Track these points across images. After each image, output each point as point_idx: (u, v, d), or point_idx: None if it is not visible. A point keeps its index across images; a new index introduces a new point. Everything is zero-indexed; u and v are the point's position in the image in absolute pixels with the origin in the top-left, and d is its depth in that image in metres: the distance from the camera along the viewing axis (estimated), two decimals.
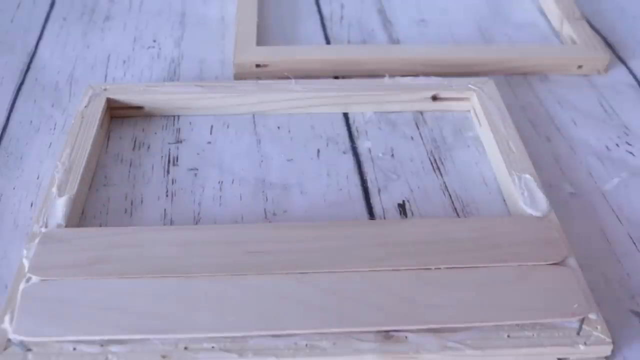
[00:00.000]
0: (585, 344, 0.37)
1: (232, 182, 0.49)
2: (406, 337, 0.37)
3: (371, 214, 0.46)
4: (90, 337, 0.36)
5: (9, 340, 0.36)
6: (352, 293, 0.38)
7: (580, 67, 0.60)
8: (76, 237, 0.41)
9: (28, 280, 0.38)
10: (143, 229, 0.41)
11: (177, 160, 0.51)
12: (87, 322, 0.36)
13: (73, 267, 0.39)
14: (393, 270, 0.39)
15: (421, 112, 0.56)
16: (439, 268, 0.39)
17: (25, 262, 0.39)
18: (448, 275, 0.39)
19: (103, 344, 0.36)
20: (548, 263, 0.40)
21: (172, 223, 0.45)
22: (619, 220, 0.47)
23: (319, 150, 0.52)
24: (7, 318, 0.36)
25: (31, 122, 0.54)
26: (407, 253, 0.40)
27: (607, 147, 0.53)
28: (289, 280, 0.38)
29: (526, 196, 0.45)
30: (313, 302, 0.37)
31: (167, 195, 0.47)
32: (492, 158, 0.50)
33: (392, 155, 0.51)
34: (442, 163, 0.51)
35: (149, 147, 0.52)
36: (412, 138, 0.53)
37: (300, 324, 0.36)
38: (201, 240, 0.41)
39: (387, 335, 0.37)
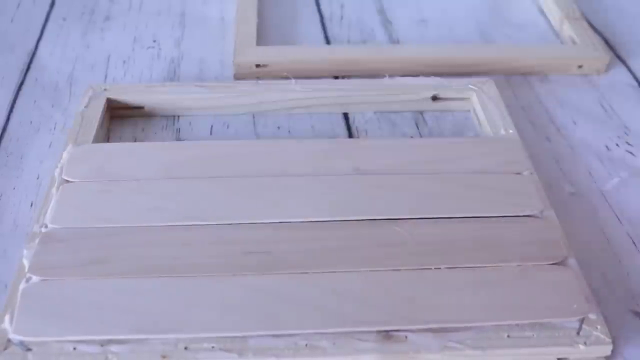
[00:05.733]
0: (585, 344, 0.37)
1: None
2: (406, 337, 0.37)
3: None
4: (90, 337, 0.36)
5: (9, 340, 0.36)
6: (352, 293, 0.38)
7: (580, 67, 0.60)
8: (76, 237, 0.40)
9: (28, 280, 0.38)
10: (143, 228, 0.41)
11: None
12: (87, 322, 0.36)
13: (73, 267, 0.39)
14: (393, 270, 0.39)
15: (421, 112, 0.56)
16: (439, 268, 0.39)
17: (25, 263, 0.39)
18: (448, 275, 0.39)
19: (103, 343, 0.36)
20: (548, 263, 0.40)
21: None
22: (619, 220, 0.47)
23: None
24: (7, 318, 0.36)
25: (31, 122, 0.54)
26: (407, 253, 0.40)
27: (607, 147, 0.53)
28: (289, 281, 0.38)
29: None
30: (313, 302, 0.37)
31: None
32: None
33: None
34: None
35: None
36: (412, 138, 0.53)
37: (300, 324, 0.36)
38: (201, 240, 0.41)
39: (387, 335, 0.37)
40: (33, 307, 0.36)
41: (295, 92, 0.54)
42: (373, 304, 0.37)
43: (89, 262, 0.39)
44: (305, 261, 0.39)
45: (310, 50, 0.61)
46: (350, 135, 0.53)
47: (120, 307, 0.36)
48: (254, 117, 0.54)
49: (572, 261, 0.40)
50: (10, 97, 0.56)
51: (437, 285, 0.38)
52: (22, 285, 0.38)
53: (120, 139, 0.52)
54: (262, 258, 0.39)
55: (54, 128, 0.53)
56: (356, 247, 0.40)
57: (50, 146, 0.51)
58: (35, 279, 0.38)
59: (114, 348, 0.36)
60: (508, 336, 0.37)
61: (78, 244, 0.40)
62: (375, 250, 0.40)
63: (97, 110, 0.51)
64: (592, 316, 0.38)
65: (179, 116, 0.54)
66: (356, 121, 0.54)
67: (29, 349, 0.36)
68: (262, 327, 0.36)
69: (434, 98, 0.55)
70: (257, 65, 0.58)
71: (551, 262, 0.40)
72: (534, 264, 0.40)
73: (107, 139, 0.52)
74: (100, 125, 0.50)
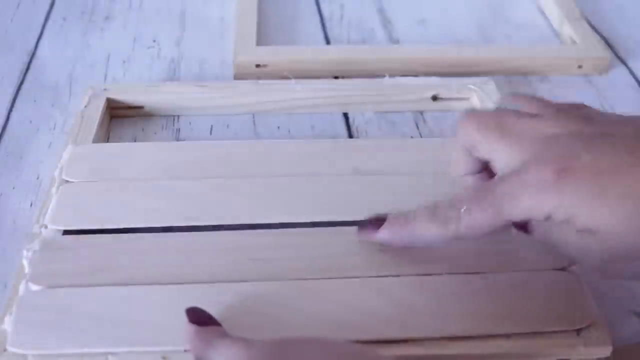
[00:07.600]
0: (585, 344, 0.37)
1: None
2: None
3: None
4: (90, 350, 0.35)
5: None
6: (351, 301, 0.37)
7: (580, 67, 0.60)
8: (77, 245, 0.40)
9: (28, 281, 0.38)
10: (144, 235, 0.41)
11: None
12: (87, 335, 0.35)
13: (73, 275, 0.38)
14: (395, 276, 0.39)
15: (421, 112, 0.56)
16: (442, 274, 0.39)
17: (25, 263, 0.39)
18: (450, 282, 0.38)
19: None
20: (551, 269, 0.40)
21: None
22: None
23: None
24: (7, 319, 0.36)
25: (31, 121, 0.54)
26: (408, 258, 0.40)
27: None
28: (290, 288, 0.38)
29: None
30: (314, 310, 0.37)
31: None
32: None
33: None
34: None
35: None
36: (412, 138, 0.53)
37: (300, 332, 0.36)
38: (202, 247, 0.40)
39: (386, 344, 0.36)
40: (31, 318, 0.36)
41: (296, 92, 0.54)
42: (374, 313, 0.37)
43: (89, 269, 0.38)
44: (307, 268, 0.39)
45: (310, 50, 0.61)
46: (350, 136, 0.53)
47: (120, 318, 0.36)
48: (254, 117, 0.54)
49: (575, 267, 0.40)
50: (10, 96, 0.56)
51: (438, 292, 0.38)
52: (22, 287, 0.37)
53: (120, 139, 0.52)
54: (263, 264, 0.39)
55: (54, 128, 0.53)
56: (354, 252, 0.40)
57: (50, 146, 0.51)
58: (35, 287, 0.37)
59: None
60: (508, 336, 0.37)
61: (79, 251, 0.40)
62: (375, 255, 0.40)
63: (97, 110, 0.51)
64: None
65: (178, 116, 0.54)
66: (356, 121, 0.54)
67: None
68: (265, 336, 0.36)
69: (434, 98, 0.55)
70: (257, 65, 0.58)
71: (554, 268, 0.40)
72: (537, 269, 0.39)
73: (106, 138, 0.52)
74: (100, 125, 0.50)
